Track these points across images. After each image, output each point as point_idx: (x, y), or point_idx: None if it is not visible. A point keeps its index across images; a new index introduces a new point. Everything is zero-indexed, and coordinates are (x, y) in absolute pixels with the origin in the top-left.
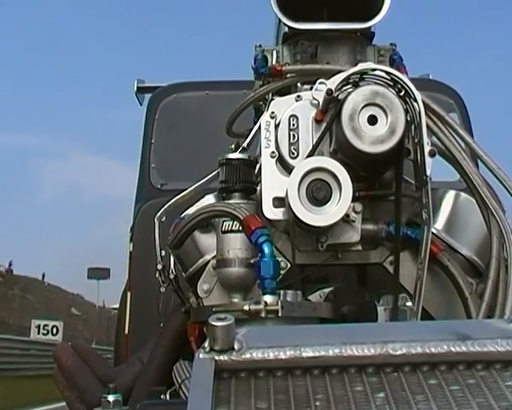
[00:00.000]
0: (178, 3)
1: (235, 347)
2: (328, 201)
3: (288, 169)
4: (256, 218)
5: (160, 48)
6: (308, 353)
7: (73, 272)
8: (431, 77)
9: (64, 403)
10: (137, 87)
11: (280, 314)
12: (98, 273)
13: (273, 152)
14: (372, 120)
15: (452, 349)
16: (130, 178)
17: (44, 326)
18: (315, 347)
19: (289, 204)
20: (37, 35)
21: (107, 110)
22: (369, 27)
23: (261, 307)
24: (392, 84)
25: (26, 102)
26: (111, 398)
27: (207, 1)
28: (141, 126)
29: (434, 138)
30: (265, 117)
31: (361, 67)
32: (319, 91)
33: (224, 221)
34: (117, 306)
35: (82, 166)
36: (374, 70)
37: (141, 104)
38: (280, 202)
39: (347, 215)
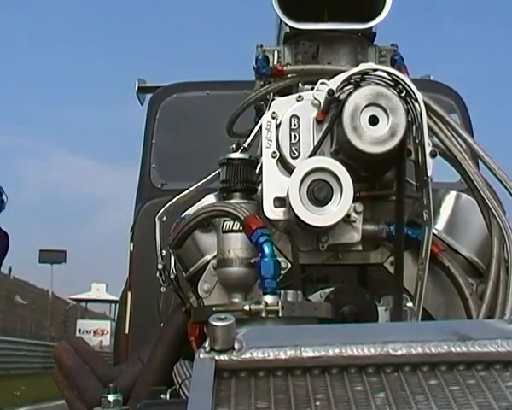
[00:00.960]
0: (178, 3)
1: (236, 347)
2: (329, 201)
3: (288, 169)
4: (257, 218)
5: (158, 47)
6: (308, 353)
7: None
8: (432, 78)
9: None
10: (138, 87)
11: (280, 314)
12: (52, 257)
13: (274, 152)
14: (373, 121)
15: (452, 350)
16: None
17: None
18: (315, 347)
19: (290, 204)
20: (24, 36)
21: (88, 110)
22: (371, 28)
23: (261, 307)
24: (393, 84)
25: (6, 103)
26: (111, 398)
27: (208, 1)
28: (141, 126)
29: (435, 139)
30: (266, 117)
31: (362, 67)
32: (320, 92)
33: (224, 221)
34: (78, 296)
35: (61, 166)
36: (375, 70)
37: (141, 104)
38: (281, 202)
39: (348, 215)
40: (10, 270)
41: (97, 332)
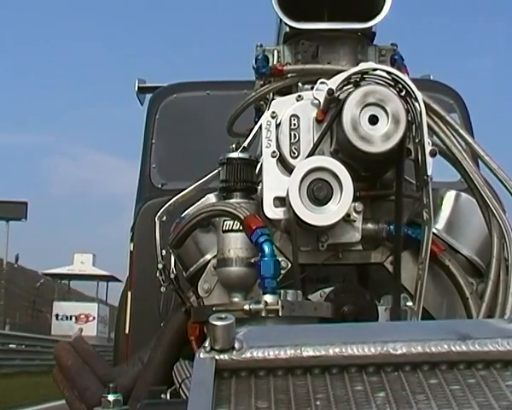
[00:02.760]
0: (178, 3)
1: (236, 346)
2: (329, 200)
3: (288, 169)
4: (256, 217)
5: (161, 47)
6: (308, 352)
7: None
8: (432, 77)
9: None
10: (138, 87)
11: (280, 314)
12: (7, 210)
13: (274, 152)
14: (373, 120)
15: (453, 349)
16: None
17: None
18: (315, 346)
19: (290, 204)
20: (41, 35)
21: (113, 108)
22: (370, 27)
23: (261, 306)
24: (393, 84)
25: (34, 102)
26: (111, 398)
27: (208, 0)
28: (142, 126)
29: (435, 138)
30: (266, 117)
31: (362, 66)
32: (320, 91)
33: (224, 221)
34: (55, 270)
35: (89, 164)
36: (375, 70)
37: (142, 104)
38: (281, 201)
39: (348, 215)
40: (17, 258)
41: (80, 318)
